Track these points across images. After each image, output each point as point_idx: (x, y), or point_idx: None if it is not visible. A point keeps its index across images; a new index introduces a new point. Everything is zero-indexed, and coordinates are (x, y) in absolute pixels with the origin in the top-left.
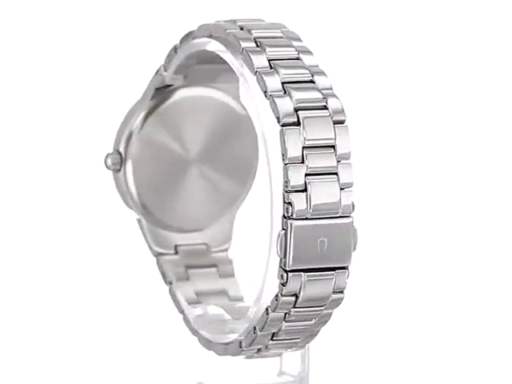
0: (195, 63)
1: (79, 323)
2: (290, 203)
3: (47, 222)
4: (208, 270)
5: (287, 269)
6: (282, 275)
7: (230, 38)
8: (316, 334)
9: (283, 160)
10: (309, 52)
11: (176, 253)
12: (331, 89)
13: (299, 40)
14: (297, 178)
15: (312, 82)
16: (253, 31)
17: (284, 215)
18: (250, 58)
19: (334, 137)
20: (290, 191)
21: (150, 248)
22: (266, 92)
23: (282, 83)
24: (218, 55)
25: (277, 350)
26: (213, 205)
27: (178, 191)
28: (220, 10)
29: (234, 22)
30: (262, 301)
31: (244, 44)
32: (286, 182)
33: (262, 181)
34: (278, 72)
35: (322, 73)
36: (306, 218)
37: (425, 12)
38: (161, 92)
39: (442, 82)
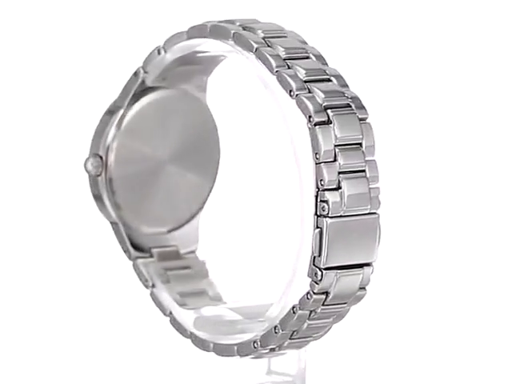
0: (179, 65)
1: (62, 325)
2: (325, 201)
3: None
4: (184, 271)
5: (322, 266)
6: (315, 273)
7: (240, 39)
8: (326, 333)
9: (316, 158)
10: (315, 49)
11: (151, 256)
12: (348, 86)
13: (302, 38)
14: (331, 176)
15: (330, 80)
16: (258, 31)
17: (318, 213)
18: (267, 58)
19: (361, 134)
20: (326, 189)
21: (127, 252)
22: (291, 91)
23: (305, 81)
24: (198, 56)
25: (289, 349)
26: (184, 205)
27: (153, 193)
28: (191, 11)
29: (232, 21)
30: (288, 299)
31: (256, 44)
32: (321, 181)
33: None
34: (297, 70)
35: (335, 70)
36: (340, 216)
37: (424, 11)
38: (140, 94)
39: (443, 80)
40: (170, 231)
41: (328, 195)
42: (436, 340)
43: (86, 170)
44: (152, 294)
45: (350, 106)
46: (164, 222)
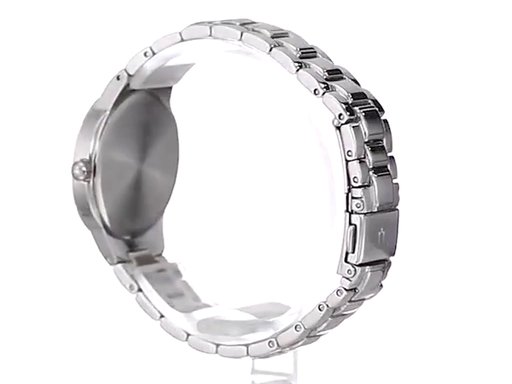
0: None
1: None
2: (359, 198)
3: None
4: (163, 274)
5: (356, 263)
6: (348, 270)
7: (250, 39)
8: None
9: (348, 156)
10: (318, 47)
11: (130, 261)
12: (359, 83)
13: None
14: (364, 173)
15: (343, 78)
16: (264, 30)
17: (350, 210)
18: (285, 58)
19: (383, 131)
20: (360, 186)
21: (109, 257)
22: (316, 90)
23: (325, 79)
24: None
25: (300, 346)
26: (155, 205)
27: (132, 196)
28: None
29: (230, 21)
30: (314, 297)
31: (270, 44)
32: (355, 178)
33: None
34: (316, 69)
35: (344, 68)
36: (371, 212)
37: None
38: (123, 97)
39: (441, 77)
40: (142, 233)
41: (362, 192)
42: (433, 340)
43: (74, 175)
44: (139, 299)
45: (370, 103)
46: (138, 224)
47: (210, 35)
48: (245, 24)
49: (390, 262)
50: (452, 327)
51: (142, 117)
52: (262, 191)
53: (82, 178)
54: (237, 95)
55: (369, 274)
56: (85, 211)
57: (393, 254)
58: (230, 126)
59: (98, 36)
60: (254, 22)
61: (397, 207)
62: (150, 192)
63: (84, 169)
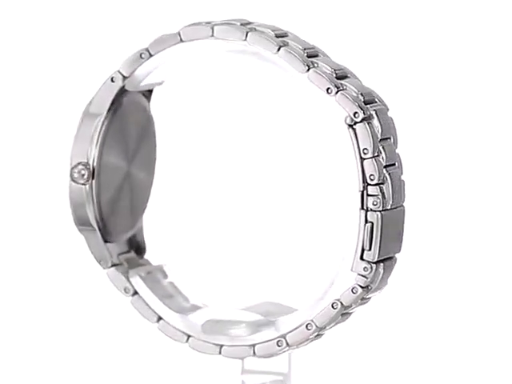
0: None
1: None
2: (376, 195)
3: None
4: (153, 276)
5: (373, 260)
6: (364, 267)
7: (256, 39)
8: None
9: (364, 154)
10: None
11: (121, 263)
12: (360, 80)
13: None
14: (380, 170)
15: (349, 76)
16: (267, 30)
17: (367, 208)
18: (295, 57)
19: (393, 127)
20: (376, 184)
21: (103, 261)
22: (329, 89)
23: (335, 78)
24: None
25: (305, 345)
26: (141, 206)
27: (122, 197)
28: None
29: (230, 21)
30: (327, 296)
31: (278, 44)
32: (371, 176)
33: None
34: (325, 68)
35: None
36: (386, 209)
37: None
38: (118, 99)
39: (440, 77)
40: (129, 235)
41: (379, 189)
42: (426, 338)
43: (73, 178)
44: (135, 302)
45: (377, 101)
46: (127, 226)
47: (212, 35)
48: (244, 24)
49: (396, 259)
50: (446, 325)
51: (135, 118)
52: (277, 191)
53: (81, 181)
54: (243, 96)
55: (382, 271)
56: (81, 214)
57: (399, 251)
58: (236, 127)
59: (90, 36)
60: (251, 22)
61: (403, 204)
62: (137, 193)
63: (83, 172)
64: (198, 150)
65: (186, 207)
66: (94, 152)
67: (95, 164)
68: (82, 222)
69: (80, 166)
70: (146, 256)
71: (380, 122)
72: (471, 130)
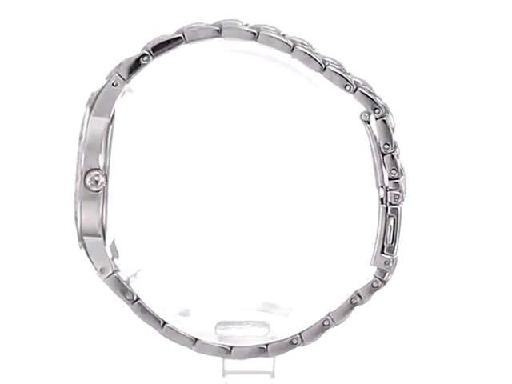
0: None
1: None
2: (398, 189)
3: None
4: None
5: (394, 254)
6: (386, 261)
7: (268, 39)
8: None
9: (385, 149)
10: None
11: (118, 269)
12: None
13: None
14: (399, 164)
15: (350, 73)
16: (271, 29)
17: (389, 202)
18: (311, 57)
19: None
20: (396, 178)
21: (106, 267)
22: (346, 86)
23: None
24: None
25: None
26: None
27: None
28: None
29: (232, 22)
30: (346, 291)
31: (290, 44)
32: (394, 170)
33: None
34: (335, 65)
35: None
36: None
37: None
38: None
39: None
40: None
41: (398, 184)
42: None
43: (86, 186)
44: (137, 308)
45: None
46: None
47: (220, 35)
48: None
49: None
50: (443, 324)
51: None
52: (298, 188)
53: (95, 188)
54: (253, 95)
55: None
56: (90, 222)
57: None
58: (247, 129)
59: (86, 37)
60: (248, 24)
61: None
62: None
63: (97, 178)
64: (208, 148)
65: (191, 206)
66: (105, 157)
67: (108, 170)
68: (87, 232)
69: (94, 173)
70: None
71: (393, 118)
72: (467, 128)
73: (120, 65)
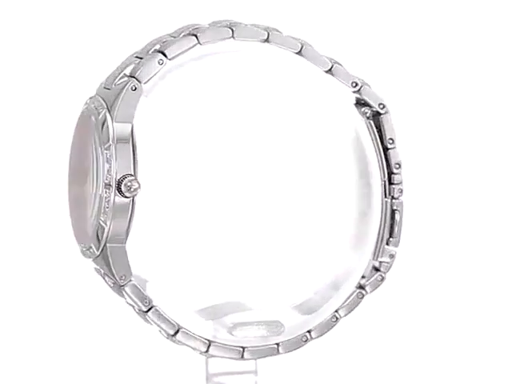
0: None
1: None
2: (401, 183)
3: None
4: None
5: (397, 247)
6: (390, 254)
7: (278, 39)
8: None
9: (389, 143)
10: None
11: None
12: None
13: None
14: (400, 159)
15: None
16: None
17: (393, 196)
18: (318, 56)
19: None
20: (398, 173)
21: (127, 273)
22: (353, 83)
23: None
24: None
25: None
26: None
27: None
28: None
29: (239, 23)
30: (355, 286)
31: (300, 43)
32: (397, 164)
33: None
34: (341, 65)
35: None
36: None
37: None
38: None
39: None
40: None
41: (401, 178)
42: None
43: (120, 192)
44: (153, 315)
45: None
46: None
47: (233, 36)
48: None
49: None
50: (437, 322)
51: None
52: (304, 183)
53: (128, 194)
54: (263, 93)
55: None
56: (119, 230)
57: None
58: (258, 127)
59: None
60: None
61: None
62: None
63: (130, 184)
64: (219, 148)
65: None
66: (135, 163)
67: (138, 175)
68: (114, 239)
69: (128, 179)
70: None
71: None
72: (457, 122)
73: (136, 68)
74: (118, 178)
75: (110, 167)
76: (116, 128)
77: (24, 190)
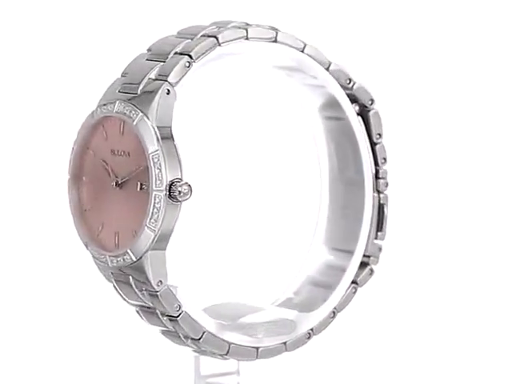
0: None
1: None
2: (386, 178)
3: None
4: None
5: (383, 241)
6: (379, 248)
7: (285, 38)
8: None
9: (377, 139)
10: None
11: None
12: None
13: None
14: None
15: None
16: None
17: (379, 190)
18: (319, 54)
19: None
20: (385, 167)
21: (164, 278)
22: (348, 80)
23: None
24: None
25: None
26: None
27: None
28: None
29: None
30: (349, 281)
31: (302, 42)
32: (384, 159)
33: None
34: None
35: None
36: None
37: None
38: None
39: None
40: None
41: (386, 172)
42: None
43: (173, 196)
44: (186, 316)
45: None
46: None
47: (247, 38)
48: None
49: None
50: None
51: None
52: (298, 178)
53: (180, 198)
54: (275, 90)
55: None
56: (167, 234)
57: None
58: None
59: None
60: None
61: None
62: None
63: (181, 188)
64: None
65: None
66: (182, 167)
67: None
68: (158, 246)
69: (180, 183)
70: None
71: None
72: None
73: (165, 71)
74: (169, 182)
75: (160, 172)
76: (161, 132)
77: (25, 195)
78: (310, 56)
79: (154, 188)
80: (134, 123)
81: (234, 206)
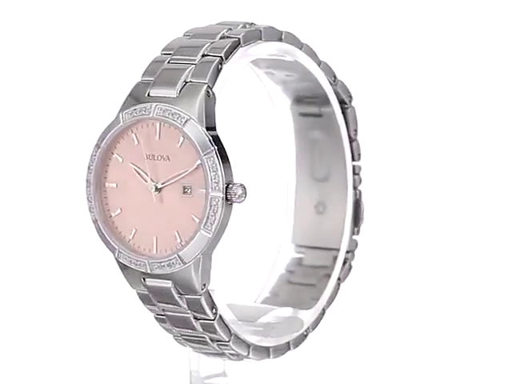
0: None
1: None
2: (360, 174)
3: None
4: None
5: (359, 236)
6: (356, 243)
7: (289, 37)
8: None
9: (354, 135)
10: None
11: None
12: None
13: None
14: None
15: None
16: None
17: (355, 186)
18: (314, 52)
19: None
20: (359, 163)
21: (207, 282)
22: (334, 77)
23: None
24: None
25: None
26: None
27: None
28: None
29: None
30: (335, 277)
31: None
32: (359, 155)
33: None
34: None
35: None
36: None
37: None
38: None
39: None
40: None
41: (360, 168)
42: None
43: (231, 198)
44: (220, 320)
45: None
46: None
47: (260, 37)
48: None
49: None
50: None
51: None
52: (281, 174)
53: (236, 201)
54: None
55: None
56: (220, 237)
57: None
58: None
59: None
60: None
61: None
62: None
63: (236, 190)
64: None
65: None
66: (231, 170)
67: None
68: (212, 248)
69: (236, 185)
70: None
71: None
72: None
73: (202, 73)
74: (225, 185)
75: (216, 174)
76: (211, 135)
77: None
78: (307, 54)
79: (211, 191)
80: (182, 127)
81: None
